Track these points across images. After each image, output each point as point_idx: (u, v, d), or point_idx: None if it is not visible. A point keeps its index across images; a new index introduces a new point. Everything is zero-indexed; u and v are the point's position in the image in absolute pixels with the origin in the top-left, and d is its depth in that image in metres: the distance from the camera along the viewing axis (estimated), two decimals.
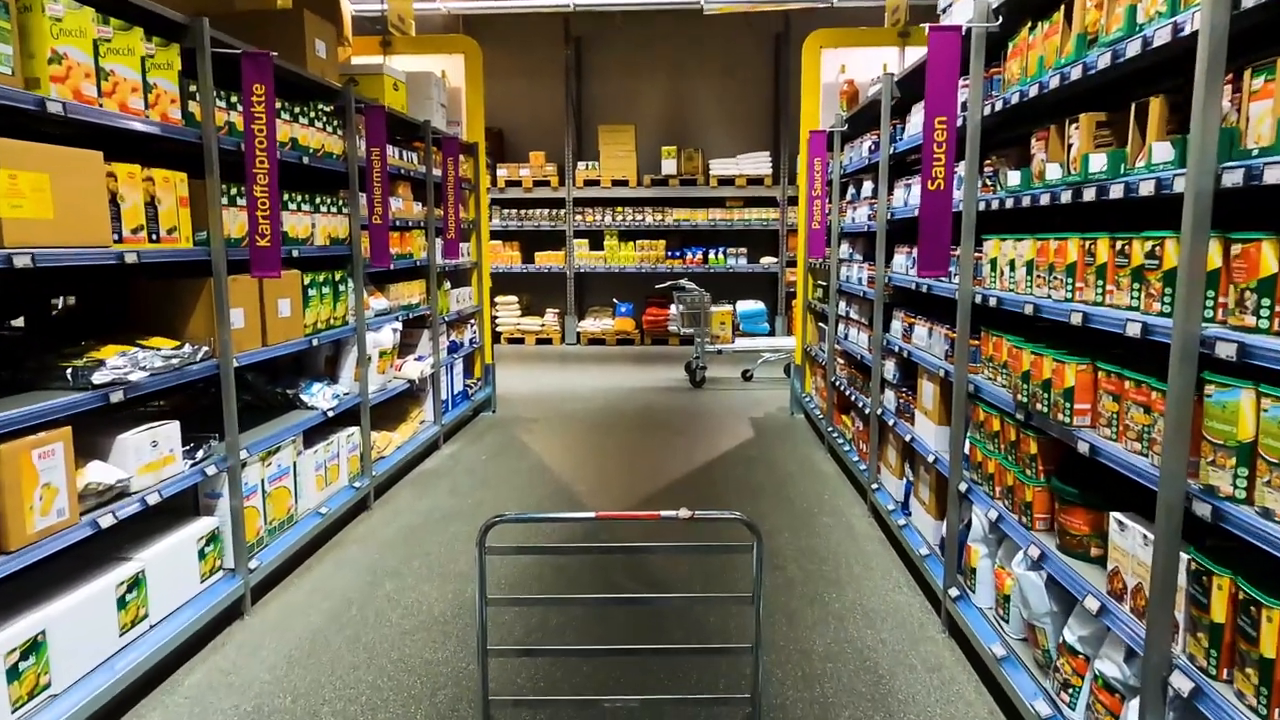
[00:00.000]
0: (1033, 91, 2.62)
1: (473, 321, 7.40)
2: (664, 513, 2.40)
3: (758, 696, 2.47)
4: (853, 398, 5.35)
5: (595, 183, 11.79)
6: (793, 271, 11.79)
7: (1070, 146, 2.38)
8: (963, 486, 3.22)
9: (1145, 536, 2.01)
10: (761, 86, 12.16)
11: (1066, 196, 2.37)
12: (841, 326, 5.83)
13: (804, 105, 7.17)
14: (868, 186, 5.27)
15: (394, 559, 4.15)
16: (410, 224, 5.71)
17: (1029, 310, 2.60)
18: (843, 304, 5.81)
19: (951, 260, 3.28)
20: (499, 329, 12.01)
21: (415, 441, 5.74)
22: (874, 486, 4.67)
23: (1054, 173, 2.52)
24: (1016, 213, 3.02)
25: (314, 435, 4.44)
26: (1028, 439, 2.68)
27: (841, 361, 5.87)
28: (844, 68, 7.14)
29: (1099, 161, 2.22)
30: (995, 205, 2.92)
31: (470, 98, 7.33)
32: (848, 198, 5.84)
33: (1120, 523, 2.13)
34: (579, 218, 11.94)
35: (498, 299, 12.02)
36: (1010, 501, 2.83)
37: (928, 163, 3.05)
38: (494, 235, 12.14)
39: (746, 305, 11.13)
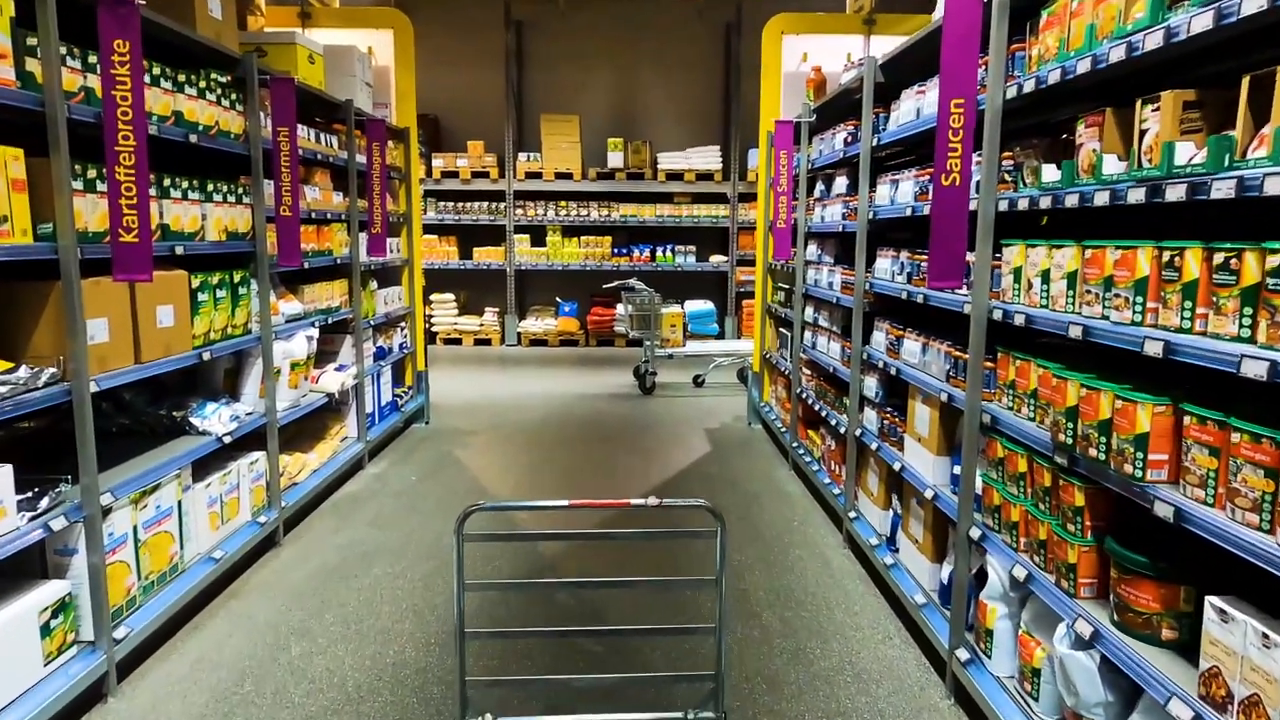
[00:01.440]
0: (1081, 67, 2.16)
1: (403, 324, 6.73)
2: (634, 500, 2.54)
3: (721, 674, 2.55)
4: (822, 413, 4.89)
5: (537, 175, 11.16)
6: (743, 270, 11.37)
7: (1144, 133, 1.92)
8: (975, 533, 2.76)
9: (1266, 636, 1.56)
10: (712, 78, 11.69)
11: (1137, 195, 1.91)
12: (808, 334, 5.37)
13: (764, 95, 6.71)
14: (841, 182, 4.81)
15: (302, 612, 3.51)
16: (330, 216, 5.04)
17: (1076, 333, 2.14)
18: (809, 310, 5.35)
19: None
20: (435, 329, 11.30)
21: (336, 462, 5.08)
22: (851, 515, 4.21)
23: (1112, 166, 2.06)
24: (1034, 216, 2.58)
25: (209, 464, 3.77)
26: (1071, 488, 2.22)
27: (808, 372, 5.42)
28: (806, 56, 6.69)
29: (1187, 151, 1.76)
30: (1024, 205, 2.46)
31: (400, 78, 6.66)
32: (816, 194, 5.38)
33: (1222, 612, 1.68)
34: (520, 212, 11.30)
35: (433, 297, 11.30)
36: (1043, 558, 2.37)
37: (941, 154, 2.58)
38: (429, 229, 11.42)
39: (695, 305, 10.67)
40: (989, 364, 2.75)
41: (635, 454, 6.07)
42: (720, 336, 11.19)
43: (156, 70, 3.22)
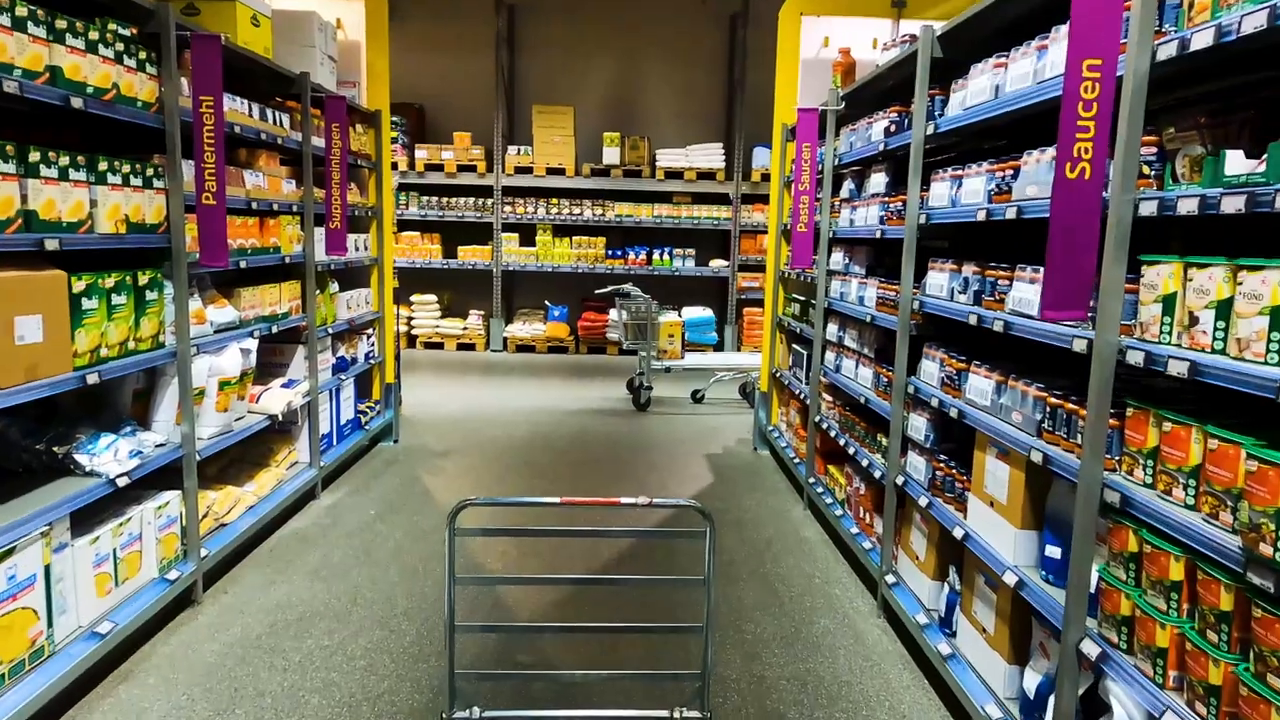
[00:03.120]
0: None
1: (370, 331, 6.00)
2: (624, 499, 2.51)
3: (707, 672, 2.57)
4: (849, 448, 4.19)
5: (528, 170, 10.43)
6: (745, 276, 10.68)
7: None
8: (1090, 648, 2.06)
9: None
10: (716, 71, 10.99)
11: None
12: (830, 355, 4.67)
13: (779, 82, 6.01)
14: (877, 179, 4.11)
15: (208, 705, 2.78)
16: (277, 207, 4.31)
17: None
18: (833, 327, 4.65)
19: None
20: (415, 332, 10.56)
21: (280, 495, 4.34)
22: (889, 579, 3.51)
23: None
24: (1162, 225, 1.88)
25: (103, 510, 3.04)
26: (1276, 624, 1.52)
27: (829, 399, 4.71)
28: (827, 40, 6.00)
29: None
30: (1189, 207, 1.75)
31: (372, 54, 5.92)
32: (843, 194, 4.68)
33: None
34: (508, 209, 10.57)
35: (414, 298, 10.56)
36: (1214, 711, 1.67)
37: (1067, 136, 1.88)
38: (412, 225, 10.69)
39: (693, 312, 9.98)
40: (1114, 422, 2.05)
41: (629, 483, 5.35)
42: (719, 347, 10.50)
43: (22, 10, 2.49)
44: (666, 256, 10.62)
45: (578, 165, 10.46)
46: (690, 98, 11.04)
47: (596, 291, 8.92)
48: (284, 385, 4.52)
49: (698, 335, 9.91)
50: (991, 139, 3.78)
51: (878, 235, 3.87)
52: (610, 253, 10.61)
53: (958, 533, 2.84)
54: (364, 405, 5.88)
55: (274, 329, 4.30)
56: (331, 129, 4.71)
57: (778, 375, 6.03)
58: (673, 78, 10.99)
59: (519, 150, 10.46)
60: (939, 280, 3.21)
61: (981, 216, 2.75)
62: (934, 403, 3.13)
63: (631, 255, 10.59)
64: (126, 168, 2.98)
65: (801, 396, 5.22)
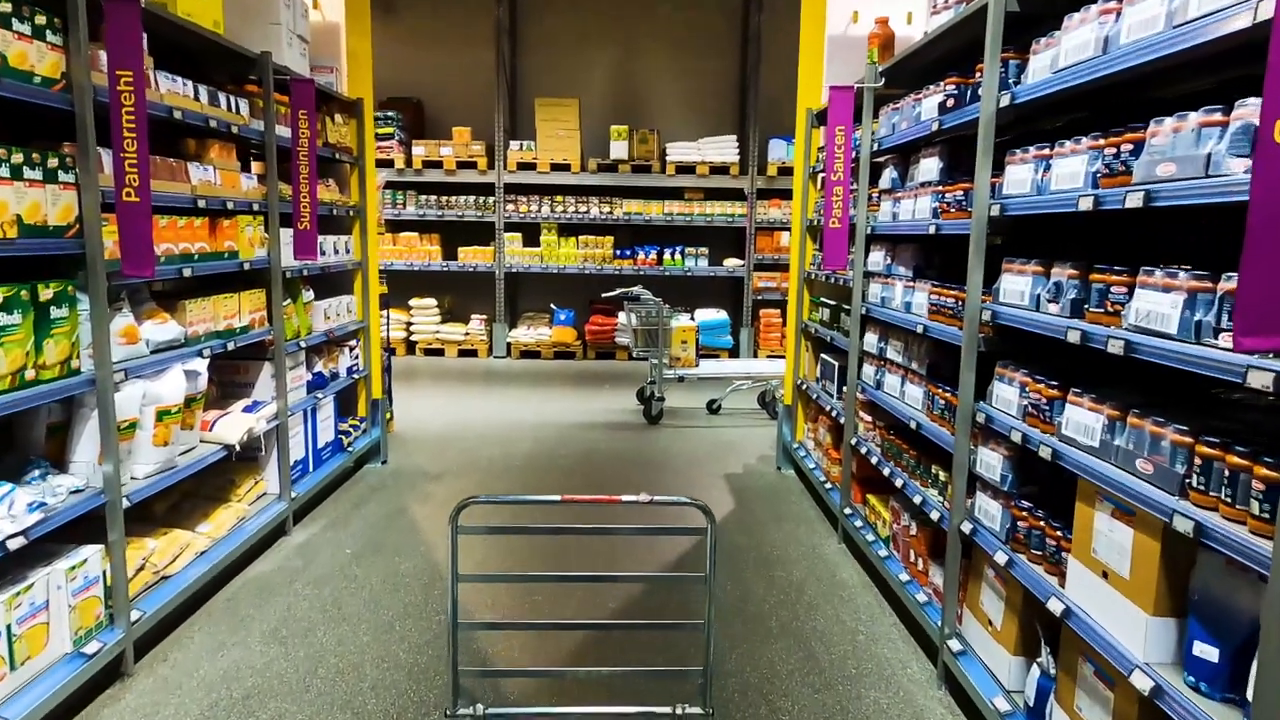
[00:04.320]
0: None
1: (353, 343, 5.44)
2: (625, 497, 2.45)
3: (710, 668, 2.51)
4: (895, 479, 3.60)
5: (531, 166, 9.87)
6: (762, 276, 10.09)
7: None
8: None
9: None
10: (728, 60, 10.40)
11: None
12: (870, 368, 4.08)
13: (803, 62, 5.43)
14: (929, 165, 3.51)
15: None
16: (233, 206, 3.75)
17: None
18: (871, 336, 4.06)
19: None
20: (415, 338, 10.01)
21: (240, 535, 3.78)
22: (952, 644, 2.92)
23: None
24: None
25: None
26: None
27: (867, 419, 4.13)
28: (856, 15, 5.39)
29: None
30: None
31: (353, 38, 5.37)
32: (883, 184, 4.09)
33: None
34: (511, 207, 10.00)
35: (413, 302, 10.02)
36: None
37: (1277, 82, 1.29)
38: (410, 226, 10.16)
39: (706, 315, 9.40)
40: None
41: (641, 513, 4.77)
42: (734, 351, 9.93)
43: None
44: (678, 256, 10.04)
45: (583, 160, 9.89)
46: (701, 88, 10.45)
47: (604, 294, 8.33)
48: (246, 409, 3.97)
49: (712, 339, 9.33)
50: (1050, 118, 3.19)
51: (931, 231, 3.28)
52: (619, 252, 10.04)
53: (1054, 606, 2.25)
54: (347, 424, 5.32)
55: (231, 345, 3.75)
56: (298, 116, 4.15)
57: (804, 387, 5.45)
58: (683, 67, 10.40)
59: (522, 145, 9.90)
60: (1018, 285, 2.61)
61: (1086, 205, 2.16)
62: (1014, 436, 2.54)
63: (641, 255, 10.01)
64: (18, 157, 2.42)
65: (833, 414, 4.63)
